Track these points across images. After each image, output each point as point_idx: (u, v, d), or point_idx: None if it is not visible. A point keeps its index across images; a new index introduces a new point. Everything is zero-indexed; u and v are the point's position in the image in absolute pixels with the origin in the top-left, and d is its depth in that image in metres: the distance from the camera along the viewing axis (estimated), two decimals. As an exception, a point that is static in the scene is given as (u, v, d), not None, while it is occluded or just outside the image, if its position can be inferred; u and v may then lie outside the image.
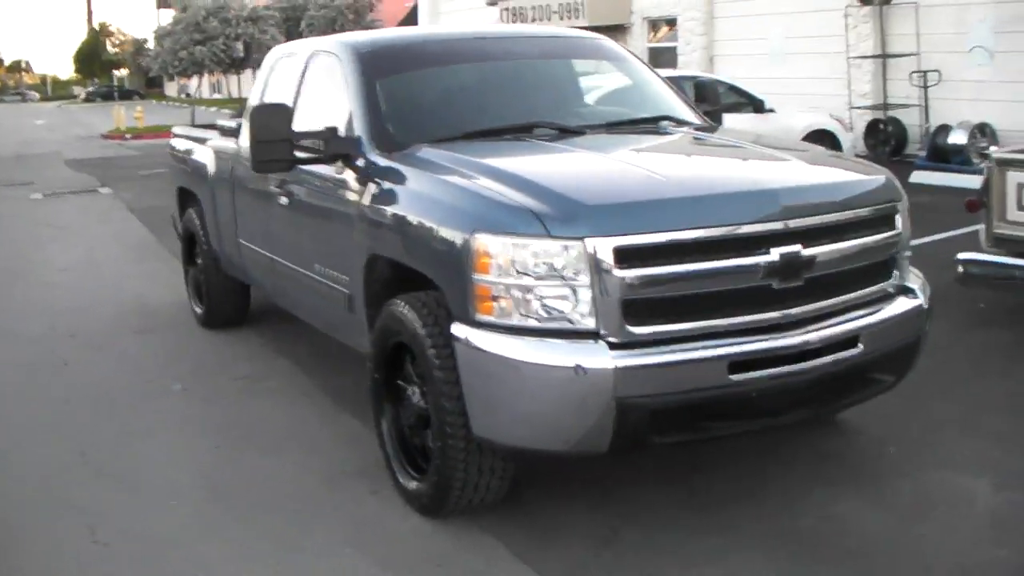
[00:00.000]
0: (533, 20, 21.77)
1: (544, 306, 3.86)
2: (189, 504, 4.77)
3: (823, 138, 13.07)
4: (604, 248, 3.81)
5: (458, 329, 4.02)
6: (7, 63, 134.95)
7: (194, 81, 67.22)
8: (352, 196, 4.95)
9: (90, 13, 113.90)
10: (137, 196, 17.51)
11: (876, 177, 4.70)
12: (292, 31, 40.58)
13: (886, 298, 4.52)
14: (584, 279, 3.81)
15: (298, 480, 4.98)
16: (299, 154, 5.12)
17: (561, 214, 3.86)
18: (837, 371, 4.21)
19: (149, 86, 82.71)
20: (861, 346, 4.26)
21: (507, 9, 22.74)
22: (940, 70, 15.49)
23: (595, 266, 3.80)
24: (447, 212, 4.16)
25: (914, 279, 4.79)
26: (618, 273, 3.81)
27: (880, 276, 4.52)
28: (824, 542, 4.17)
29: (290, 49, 6.59)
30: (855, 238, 4.35)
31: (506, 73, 5.65)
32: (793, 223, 4.08)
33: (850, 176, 4.68)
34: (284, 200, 5.84)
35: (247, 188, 6.57)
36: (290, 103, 5.73)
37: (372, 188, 4.76)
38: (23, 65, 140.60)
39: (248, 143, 5.16)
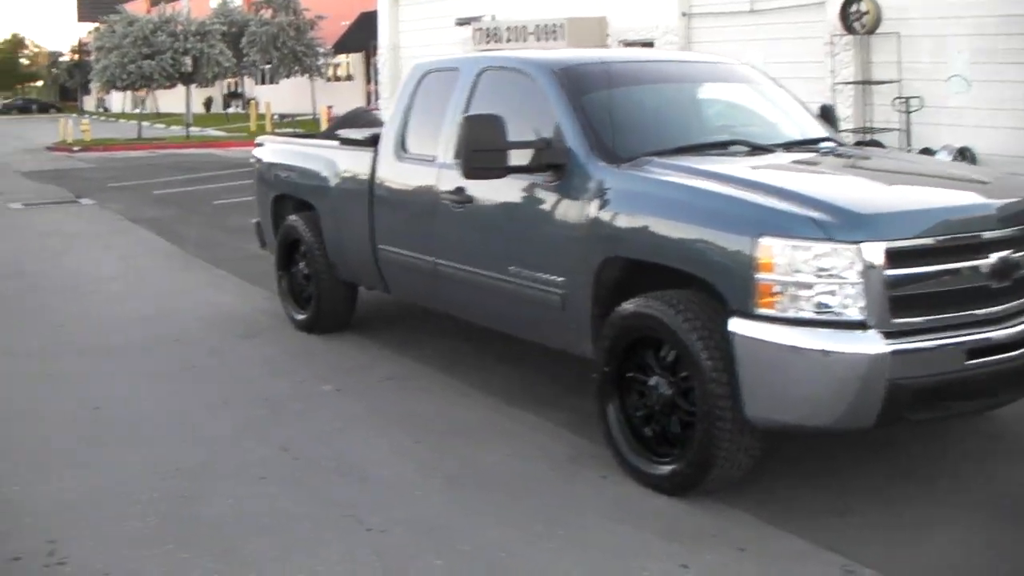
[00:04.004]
0: (509, 41, 22.22)
1: (820, 301, 4.36)
2: (436, 493, 5.04)
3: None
4: (876, 251, 4.35)
5: (737, 323, 4.48)
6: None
7: (114, 96, 66.55)
8: (574, 204, 5.36)
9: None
10: (128, 208, 17.40)
11: None
12: (232, 47, 40.59)
13: None
14: (857, 277, 4.33)
15: (522, 469, 5.31)
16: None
17: (841, 222, 4.40)
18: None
19: (64, 99, 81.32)
20: None
21: (480, 29, 23.16)
22: (921, 96, 16.35)
23: (867, 266, 4.32)
24: (724, 219, 4.63)
25: None
26: (887, 272, 4.35)
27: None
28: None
29: (443, 65, 7.00)
30: None
31: (686, 93, 6.18)
32: (1007, 231, 4.71)
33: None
34: (459, 208, 6.20)
35: (398, 196, 6.92)
36: (461, 115, 6.14)
37: (606, 196, 5.18)
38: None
39: (461, 150, 5.56)
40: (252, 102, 43.69)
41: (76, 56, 72.68)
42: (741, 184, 4.81)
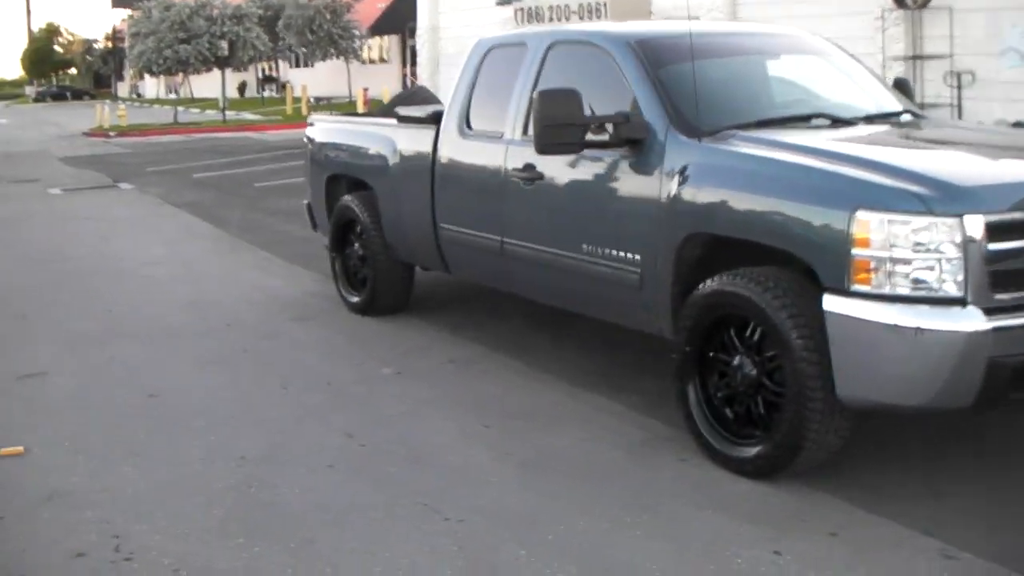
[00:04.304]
0: (551, 20, 21.98)
1: (917, 277, 4.16)
2: (510, 479, 4.88)
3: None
4: (977, 224, 4.15)
5: (831, 300, 4.30)
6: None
7: (148, 82, 66.82)
8: (653, 179, 5.19)
9: (29, 14, 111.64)
10: (168, 192, 17.30)
11: None
12: (267, 31, 40.60)
13: None
14: (957, 252, 4.14)
15: (597, 453, 5.15)
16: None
17: (941, 194, 4.21)
18: None
19: (97, 86, 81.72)
20: None
21: (521, 9, 22.92)
22: (974, 71, 16.01)
23: (968, 240, 4.13)
24: (817, 193, 4.46)
25: None
26: (988, 246, 4.15)
27: None
28: None
29: (509, 40, 6.85)
30: None
31: (762, 66, 6.01)
32: None
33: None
34: (528, 185, 6.03)
35: (463, 174, 6.77)
36: (529, 91, 5.99)
37: (688, 171, 5.00)
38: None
39: (533, 126, 5.38)
40: (287, 85, 43.64)
41: (110, 43, 72.88)
42: (832, 157, 4.63)
